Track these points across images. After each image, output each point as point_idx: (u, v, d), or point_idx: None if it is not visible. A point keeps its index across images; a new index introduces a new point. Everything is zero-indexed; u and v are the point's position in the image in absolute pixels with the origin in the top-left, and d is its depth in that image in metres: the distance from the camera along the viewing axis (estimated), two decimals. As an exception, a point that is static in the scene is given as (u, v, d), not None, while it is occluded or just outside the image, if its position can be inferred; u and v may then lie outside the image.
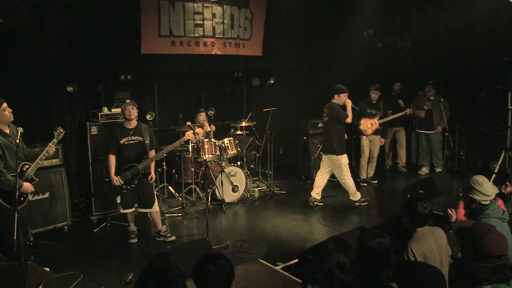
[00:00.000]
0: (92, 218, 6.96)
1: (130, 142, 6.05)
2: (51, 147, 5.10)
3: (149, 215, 6.73)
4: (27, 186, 4.90)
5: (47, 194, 6.30)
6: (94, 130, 6.89)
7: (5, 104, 4.77)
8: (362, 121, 8.70)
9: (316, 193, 7.67)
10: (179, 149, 7.64)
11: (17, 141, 4.57)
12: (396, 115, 8.62)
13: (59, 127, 5.25)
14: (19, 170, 4.62)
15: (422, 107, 9.25)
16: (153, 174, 6.21)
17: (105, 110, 7.11)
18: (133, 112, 6.05)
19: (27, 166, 4.96)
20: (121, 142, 6.00)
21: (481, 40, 8.49)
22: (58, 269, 5.07)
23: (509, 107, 8.21)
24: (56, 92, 7.43)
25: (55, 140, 5.15)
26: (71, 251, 6.04)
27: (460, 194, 4.32)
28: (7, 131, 4.81)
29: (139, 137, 6.09)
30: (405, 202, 4.14)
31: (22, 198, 4.88)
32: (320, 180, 7.67)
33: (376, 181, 9.00)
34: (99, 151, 6.77)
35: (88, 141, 6.86)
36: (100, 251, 5.96)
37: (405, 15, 9.40)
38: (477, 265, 2.85)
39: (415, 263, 3.18)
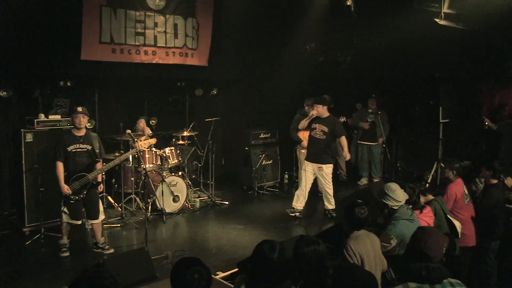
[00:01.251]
0: (25, 230, 6.61)
1: (78, 150, 5.86)
2: None
3: (87, 225, 6.57)
4: None
5: (-27, 204, 5.97)
6: (29, 137, 6.57)
7: None
8: (299, 133, 8.84)
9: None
10: (119, 158, 7.48)
11: None
12: None
13: None
14: None
15: (366, 119, 9.60)
16: (101, 184, 6.10)
17: (42, 117, 6.81)
18: (84, 121, 5.88)
19: None
20: (69, 149, 5.79)
21: (416, 57, 8.91)
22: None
23: (441, 121, 8.63)
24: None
25: None
26: (-1, 265, 5.70)
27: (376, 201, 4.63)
28: None
29: (88, 146, 5.93)
30: (345, 208, 4.32)
31: None
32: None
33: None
34: (35, 159, 6.48)
35: (23, 149, 6.52)
36: (32, 264, 5.70)
37: (347, 30, 9.71)
38: (416, 264, 2.99)
39: (352, 267, 3.28)
